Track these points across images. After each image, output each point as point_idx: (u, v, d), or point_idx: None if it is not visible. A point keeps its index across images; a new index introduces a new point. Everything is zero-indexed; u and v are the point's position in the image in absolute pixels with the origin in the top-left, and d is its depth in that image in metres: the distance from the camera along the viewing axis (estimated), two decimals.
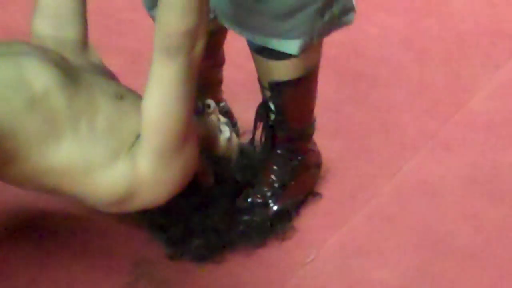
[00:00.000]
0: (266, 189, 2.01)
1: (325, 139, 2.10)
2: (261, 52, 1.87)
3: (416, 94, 2.49)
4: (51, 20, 1.93)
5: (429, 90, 2.49)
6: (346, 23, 1.89)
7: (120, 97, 1.79)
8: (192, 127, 1.79)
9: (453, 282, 1.87)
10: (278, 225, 2.00)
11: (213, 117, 1.95)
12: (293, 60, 1.85)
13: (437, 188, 2.15)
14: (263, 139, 2.04)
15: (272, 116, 1.97)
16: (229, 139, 1.98)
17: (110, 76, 1.96)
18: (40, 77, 1.66)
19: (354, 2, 1.92)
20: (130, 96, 1.82)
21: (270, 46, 1.82)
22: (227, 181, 1.98)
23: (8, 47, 1.79)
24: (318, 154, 2.09)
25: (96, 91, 1.75)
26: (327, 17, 1.82)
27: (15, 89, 1.64)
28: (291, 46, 1.82)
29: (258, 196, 2.01)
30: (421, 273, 1.90)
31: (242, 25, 1.83)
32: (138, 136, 1.72)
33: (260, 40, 1.83)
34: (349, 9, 1.89)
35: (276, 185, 2.02)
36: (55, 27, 1.93)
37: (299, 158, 2.03)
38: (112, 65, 2.12)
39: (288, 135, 2.00)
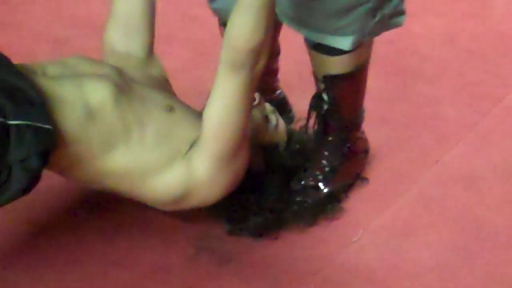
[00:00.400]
0: (317, 173, 2.05)
1: (372, 128, 2.14)
2: (317, 47, 1.90)
3: (457, 89, 2.51)
4: (122, 28, 2.01)
5: (470, 85, 2.51)
6: (396, 25, 1.93)
7: (170, 109, 1.86)
8: (247, 134, 1.87)
9: (489, 264, 1.90)
10: (328, 206, 2.05)
11: (257, 110, 2.00)
12: (346, 56, 1.88)
13: (475, 177, 2.17)
14: (316, 127, 2.08)
15: (325, 106, 2.00)
16: (276, 127, 2.03)
17: (166, 87, 2.03)
18: (96, 94, 1.75)
19: (404, 6, 1.93)
20: (180, 108, 1.89)
21: (325, 42, 1.86)
22: (277, 165, 2.04)
23: (70, 68, 1.88)
24: (365, 142, 2.13)
25: (148, 105, 1.84)
26: (378, 17, 1.85)
27: (77, 104, 1.73)
28: (344, 42, 1.86)
29: (311, 179, 2.05)
30: (457, 255, 1.94)
31: (299, 23, 1.87)
32: (191, 144, 1.79)
33: (315, 37, 1.88)
34: (399, 12, 1.91)
35: (327, 169, 2.06)
36: (124, 35, 2.01)
37: (349, 145, 2.07)
38: (182, 56, 2.17)
39: (339, 124, 2.03)
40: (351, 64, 1.95)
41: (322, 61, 1.94)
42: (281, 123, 2.05)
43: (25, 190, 1.71)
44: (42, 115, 1.70)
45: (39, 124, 1.68)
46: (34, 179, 1.69)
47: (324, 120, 2.06)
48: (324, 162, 2.07)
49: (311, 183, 2.08)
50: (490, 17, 2.89)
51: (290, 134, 2.12)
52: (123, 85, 1.85)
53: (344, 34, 1.85)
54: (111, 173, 1.79)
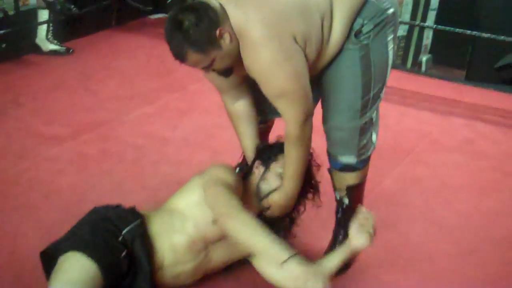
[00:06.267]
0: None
1: None
2: (342, 169, 2.88)
3: None
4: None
5: None
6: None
7: (215, 221, 2.77)
8: None
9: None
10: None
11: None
12: (357, 172, 2.88)
13: None
14: (339, 214, 3.09)
15: (344, 205, 3.02)
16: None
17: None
18: (176, 244, 2.83)
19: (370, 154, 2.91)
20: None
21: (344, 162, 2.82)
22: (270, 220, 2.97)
23: (161, 219, 2.89)
24: None
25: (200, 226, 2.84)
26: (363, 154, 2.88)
27: (166, 248, 2.82)
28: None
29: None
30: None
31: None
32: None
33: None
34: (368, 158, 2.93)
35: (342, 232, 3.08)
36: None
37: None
38: None
39: (349, 214, 2.89)
40: (359, 177, 2.93)
41: (344, 178, 2.91)
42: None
43: None
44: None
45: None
46: None
47: (343, 213, 3.04)
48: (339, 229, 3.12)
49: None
50: None
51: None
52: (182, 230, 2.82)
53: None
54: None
